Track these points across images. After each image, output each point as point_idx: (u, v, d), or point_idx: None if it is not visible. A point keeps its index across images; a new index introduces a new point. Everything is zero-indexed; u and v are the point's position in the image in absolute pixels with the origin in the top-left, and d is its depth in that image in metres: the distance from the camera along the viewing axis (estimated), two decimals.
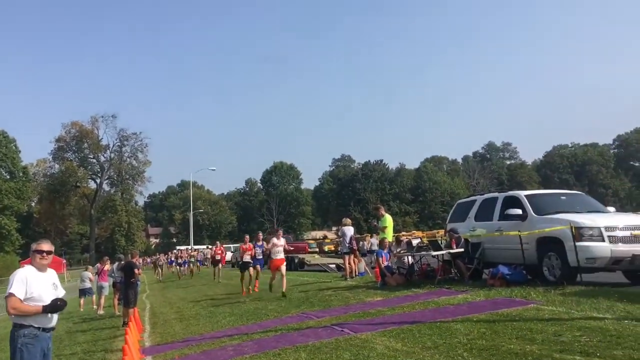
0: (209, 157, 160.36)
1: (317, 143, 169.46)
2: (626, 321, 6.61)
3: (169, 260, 41.33)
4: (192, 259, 34.55)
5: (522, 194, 12.13)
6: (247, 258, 15.96)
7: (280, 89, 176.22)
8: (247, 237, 17.03)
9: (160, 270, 36.10)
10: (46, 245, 5.02)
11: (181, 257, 35.45)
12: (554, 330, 6.47)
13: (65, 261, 67.53)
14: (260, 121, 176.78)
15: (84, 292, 18.41)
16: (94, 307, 17.94)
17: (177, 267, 35.12)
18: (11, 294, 4.67)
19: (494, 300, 9.18)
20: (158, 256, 42.13)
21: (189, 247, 46.39)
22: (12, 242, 69.23)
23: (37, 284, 4.81)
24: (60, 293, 5.04)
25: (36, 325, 4.80)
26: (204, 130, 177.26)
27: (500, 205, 12.15)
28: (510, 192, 12.86)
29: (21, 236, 72.61)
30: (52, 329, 5.00)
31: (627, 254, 9.67)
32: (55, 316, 5.02)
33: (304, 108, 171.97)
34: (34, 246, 5.00)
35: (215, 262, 26.04)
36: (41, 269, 4.96)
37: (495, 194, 13.20)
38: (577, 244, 9.71)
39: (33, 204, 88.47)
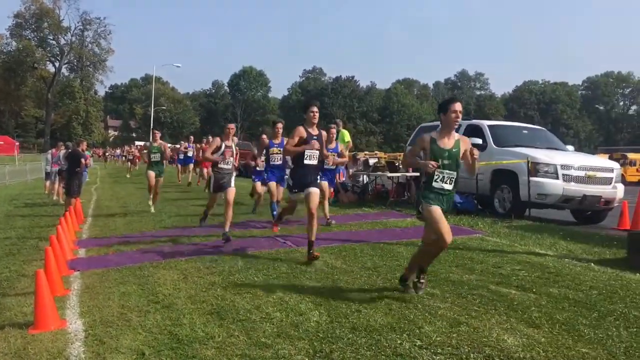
0: (176, 54, 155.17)
1: (289, 51, 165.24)
2: (567, 260, 6.63)
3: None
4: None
5: (484, 123, 11.93)
6: None
7: None
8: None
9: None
10: None
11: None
12: (495, 262, 6.44)
13: (18, 144, 65.70)
14: (233, 19, 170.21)
15: (49, 175, 17.52)
16: (45, 192, 17.44)
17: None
18: None
19: None
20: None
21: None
22: None
23: None
24: None
25: None
26: (173, 23, 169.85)
27: (462, 133, 11.93)
28: (474, 121, 12.65)
29: None
30: None
31: (579, 194, 9.73)
32: None
33: (280, 11, 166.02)
34: None
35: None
36: None
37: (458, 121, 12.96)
38: (531, 178, 9.68)
39: None
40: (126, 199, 15.41)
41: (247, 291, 5.18)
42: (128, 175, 28.41)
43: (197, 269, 6.15)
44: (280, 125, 10.01)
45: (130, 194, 16.68)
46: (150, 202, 12.37)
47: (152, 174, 12.26)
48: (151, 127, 57.97)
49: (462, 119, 13.60)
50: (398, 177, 12.82)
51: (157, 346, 3.77)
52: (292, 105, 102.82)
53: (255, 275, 5.81)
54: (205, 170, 17.68)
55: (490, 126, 11.58)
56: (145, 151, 13.20)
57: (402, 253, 6.92)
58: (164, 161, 12.98)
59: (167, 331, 4.08)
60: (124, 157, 32.81)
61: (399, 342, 3.77)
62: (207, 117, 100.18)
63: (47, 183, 17.30)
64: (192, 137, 23.19)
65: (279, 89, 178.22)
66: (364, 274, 5.84)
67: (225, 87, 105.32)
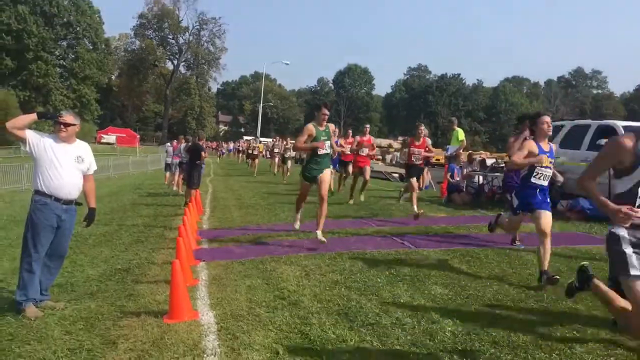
0: (284, 52, 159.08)
1: (394, 48, 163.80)
2: None
3: None
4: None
5: (619, 123, 10.94)
6: None
7: None
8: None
9: None
10: (68, 118, 4.78)
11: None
12: None
13: (139, 136, 70.50)
14: (339, 19, 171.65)
15: (169, 167, 18.38)
16: (165, 183, 18.36)
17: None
18: None
19: (571, 234, 8.48)
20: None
21: None
22: (91, 112, 72.13)
23: (52, 147, 4.69)
24: (84, 167, 4.91)
25: (47, 193, 4.66)
26: (282, 23, 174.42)
27: (592, 134, 11.04)
28: (606, 121, 11.66)
29: (100, 107, 75.68)
30: (70, 201, 4.80)
31: None
32: (72, 188, 4.81)
33: (385, 9, 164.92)
34: (57, 117, 4.80)
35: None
36: (63, 139, 4.76)
37: (588, 121, 12.04)
38: None
39: (113, 78, 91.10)
40: (240, 192, 15.86)
41: (371, 293, 5.04)
42: (255, 174, 24.68)
43: (318, 266, 6.10)
44: None
45: (243, 187, 17.19)
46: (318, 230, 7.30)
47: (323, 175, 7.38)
48: (258, 123, 59.93)
49: (587, 119, 12.63)
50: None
51: (289, 345, 3.72)
52: (395, 103, 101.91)
53: (377, 277, 5.65)
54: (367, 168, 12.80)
55: (626, 127, 10.56)
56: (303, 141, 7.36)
57: (532, 261, 6.45)
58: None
59: (297, 330, 4.02)
60: (239, 152, 34.17)
61: None
62: (311, 113, 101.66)
63: (167, 174, 18.18)
64: (336, 130, 17.23)
65: (382, 86, 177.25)
66: (494, 282, 5.49)
67: (330, 84, 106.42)
